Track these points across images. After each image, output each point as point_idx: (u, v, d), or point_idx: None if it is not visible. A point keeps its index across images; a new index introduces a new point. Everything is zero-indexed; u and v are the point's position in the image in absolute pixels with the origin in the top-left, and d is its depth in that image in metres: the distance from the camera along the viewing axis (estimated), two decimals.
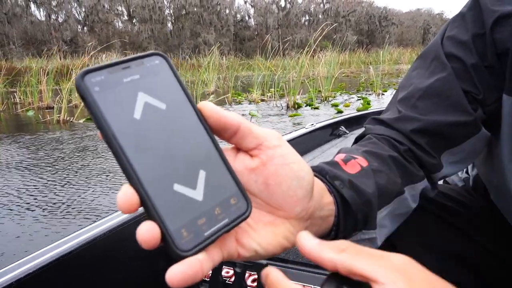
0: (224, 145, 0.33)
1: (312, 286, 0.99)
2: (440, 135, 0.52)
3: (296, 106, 6.17)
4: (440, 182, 0.76)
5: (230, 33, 34.08)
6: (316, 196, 0.35)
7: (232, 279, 1.01)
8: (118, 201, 0.26)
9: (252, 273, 1.01)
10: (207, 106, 0.30)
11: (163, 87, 0.29)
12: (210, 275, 1.03)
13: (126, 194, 0.26)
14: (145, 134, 0.27)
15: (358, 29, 36.70)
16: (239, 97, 7.46)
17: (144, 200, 0.26)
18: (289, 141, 1.89)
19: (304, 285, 1.00)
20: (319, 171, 0.40)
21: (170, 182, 0.27)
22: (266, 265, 1.08)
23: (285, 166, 0.32)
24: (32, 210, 2.24)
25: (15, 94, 7.77)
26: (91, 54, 7.80)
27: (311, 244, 0.29)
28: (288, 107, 6.18)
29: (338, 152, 0.48)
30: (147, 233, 0.25)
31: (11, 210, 2.26)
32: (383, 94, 7.51)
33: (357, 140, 0.56)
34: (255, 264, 0.98)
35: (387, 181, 0.45)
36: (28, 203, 2.35)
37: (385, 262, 0.26)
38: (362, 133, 0.57)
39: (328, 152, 1.99)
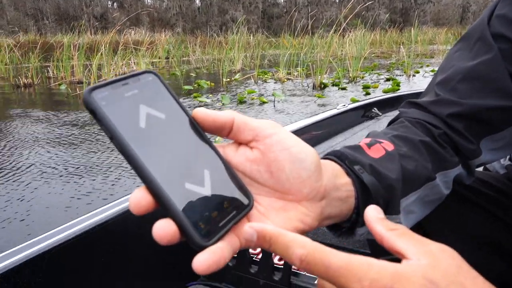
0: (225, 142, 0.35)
1: None
2: (480, 120, 0.49)
3: (322, 86, 6.08)
4: (481, 169, 0.74)
5: (258, 10, 33.52)
6: (328, 176, 0.35)
7: (259, 256, 1.03)
8: (130, 204, 0.28)
9: None
10: (200, 111, 0.33)
11: (159, 99, 0.32)
12: (237, 251, 1.06)
13: (138, 197, 0.28)
14: (152, 140, 0.29)
15: (391, 7, 35.30)
16: (265, 76, 7.41)
17: (163, 200, 0.28)
18: (320, 121, 1.86)
19: None
20: (338, 156, 0.40)
21: (182, 181, 0.30)
22: None
23: (284, 151, 0.33)
24: (67, 181, 2.34)
25: (48, 68, 8.00)
26: (119, 29, 7.90)
27: (370, 216, 0.31)
28: (314, 86, 6.10)
29: (367, 136, 0.48)
30: (161, 231, 0.27)
31: (45, 181, 2.36)
32: (414, 76, 7.27)
33: (390, 124, 0.55)
34: None
35: (416, 166, 0.44)
36: (62, 175, 2.45)
37: (421, 245, 0.27)
38: (396, 116, 0.55)
39: (359, 134, 1.96)
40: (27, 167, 2.58)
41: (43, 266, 0.76)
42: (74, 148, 3.00)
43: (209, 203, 0.30)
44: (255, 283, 1.01)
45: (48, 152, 2.91)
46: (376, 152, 0.42)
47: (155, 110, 0.31)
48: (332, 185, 0.36)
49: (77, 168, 2.57)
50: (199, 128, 0.33)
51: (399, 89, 5.10)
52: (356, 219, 0.39)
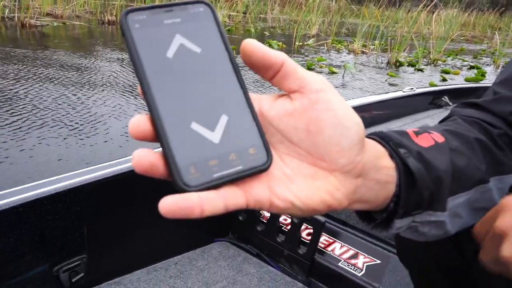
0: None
1: (365, 255, 0.98)
2: None
3: (397, 64, 5.72)
4: None
5: None
6: (370, 155, 0.31)
7: (288, 227, 1.04)
8: (129, 125, 0.27)
9: (309, 226, 1.03)
10: (251, 43, 0.30)
11: (201, 32, 0.30)
12: (268, 217, 1.08)
13: (139, 120, 0.27)
14: (174, 72, 0.28)
15: None
16: (339, 45, 7.11)
17: (158, 132, 0.27)
18: (382, 102, 1.76)
19: (358, 252, 1.00)
20: (382, 137, 0.35)
21: (189, 120, 0.28)
22: (324, 222, 1.07)
23: (328, 112, 0.29)
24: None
25: None
26: None
27: None
28: (388, 63, 5.76)
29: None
30: (137, 157, 0.26)
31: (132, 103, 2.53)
32: (504, 67, 6.56)
33: (441, 122, 0.50)
34: (313, 218, 1.00)
35: (468, 164, 0.39)
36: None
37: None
38: (448, 115, 0.51)
39: (421, 122, 1.82)
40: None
41: (81, 196, 0.84)
42: None
43: (211, 150, 0.28)
44: (279, 252, 1.03)
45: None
46: (424, 141, 0.38)
47: (191, 42, 0.29)
48: (372, 164, 0.31)
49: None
50: (237, 71, 0.30)
51: (482, 80, 4.66)
52: (394, 209, 0.34)
